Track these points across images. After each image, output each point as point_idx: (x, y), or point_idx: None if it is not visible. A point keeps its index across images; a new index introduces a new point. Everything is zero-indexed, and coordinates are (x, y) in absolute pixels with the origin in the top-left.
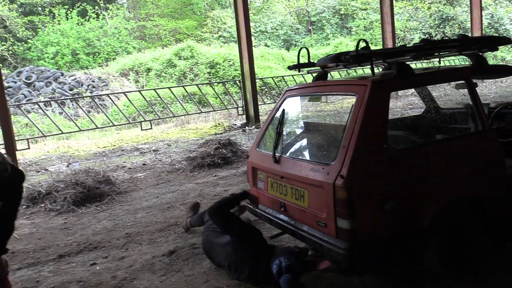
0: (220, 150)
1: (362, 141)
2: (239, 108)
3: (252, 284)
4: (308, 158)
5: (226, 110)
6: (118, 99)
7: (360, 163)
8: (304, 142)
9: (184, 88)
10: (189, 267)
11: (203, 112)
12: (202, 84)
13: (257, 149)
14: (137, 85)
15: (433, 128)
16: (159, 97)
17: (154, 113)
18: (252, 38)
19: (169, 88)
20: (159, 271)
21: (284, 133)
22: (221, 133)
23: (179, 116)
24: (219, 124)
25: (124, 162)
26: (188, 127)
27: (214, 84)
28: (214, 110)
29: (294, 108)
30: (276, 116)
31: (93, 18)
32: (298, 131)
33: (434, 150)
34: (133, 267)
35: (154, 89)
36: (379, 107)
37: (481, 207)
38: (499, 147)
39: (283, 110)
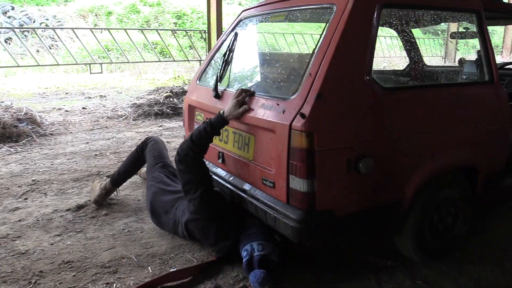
0: (171, 99)
1: (336, 67)
2: (202, 62)
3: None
4: (259, 92)
5: (188, 62)
6: (73, 41)
7: (330, 98)
8: (258, 73)
9: (144, 33)
10: (96, 228)
11: (162, 61)
12: (165, 29)
13: (198, 83)
14: (95, 30)
15: (430, 73)
16: (116, 42)
17: (108, 59)
18: None
19: (125, 29)
20: (55, 229)
21: (234, 62)
22: (179, 86)
23: (135, 63)
24: (178, 76)
25: (64, 106)
26: (144, 77)
27: (179, 35)
28: (175, 61)
29: (251, 31)
30: (226, 41)
31: None
32: (253, 60)
33: (431, 96)
34: (22, 222)
35: (108, 29)
36: (365, 24)
37: (475, 182)
38: (508, 107)
39: (236, 34)
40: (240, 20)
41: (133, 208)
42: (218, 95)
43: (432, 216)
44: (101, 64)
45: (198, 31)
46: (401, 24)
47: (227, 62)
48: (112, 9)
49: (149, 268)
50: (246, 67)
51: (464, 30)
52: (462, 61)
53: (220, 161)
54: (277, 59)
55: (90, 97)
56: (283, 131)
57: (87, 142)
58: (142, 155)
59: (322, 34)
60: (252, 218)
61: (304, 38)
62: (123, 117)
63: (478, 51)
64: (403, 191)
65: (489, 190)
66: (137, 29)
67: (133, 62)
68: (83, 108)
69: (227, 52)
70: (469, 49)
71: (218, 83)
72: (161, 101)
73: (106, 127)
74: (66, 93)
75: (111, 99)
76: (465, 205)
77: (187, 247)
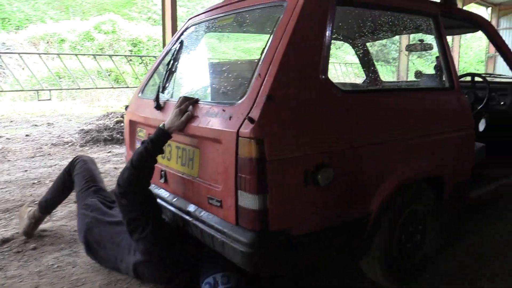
0: (122, 124)
1: (288, 67)
2: None
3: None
4: (205, 100)
5: None
6: (23, 68)
7: (282, 100)
8: (204, 80)
9: (97, 60)
10: (20, 264)
11: (116, 88)
12: (119, 55)
13: (140, 96)
14: (47, 57)
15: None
16: (67, 69)
17: (58, 86)
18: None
19: (76, 55)
20: None
21: (178, 71)
22: None
23: (87, 89)
24: None
25: (6, 133)
26: (97, 105)
27: (134, 62)
28: (129, 87)
29: (197, 39)
30: (171, 50)
31: None
32: (199, 68)
33: (391, 102)
34: None
35: (58, 54)
36: (318, 20)
37: (441, 194)
38: (470, 114)
39: (181, 42)
40: (187, 28)
41: (67, 240)
42: (159, 106)
43: (400, 234)
44: (49, 90)
45: (154, 57)
46: (355, 32)
47: (171, 71)
48: (65, 36)
49: None
50: (191, 75)
51: (419, 42)
52: (418, 74)
53: (162, 180)
54: (225, 65)
55: (36, 125)
56: (229, 139)
57: (26, 170)
58: (70, 179)
59: (272, 31)
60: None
61: (254, 40)
62: (69, 144)
63: (437, 57)
64: (368, 206)
65: (456, 202)
66: (89, 54)
67: (85, 89)
68: (27, 135)
69: (171, 61)
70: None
71: (161, 94)
72: (111, 126)
73: (49, 154)
74: (11, 121)
75: (59, 127)
76: (432, 219)
77: (125, 282)
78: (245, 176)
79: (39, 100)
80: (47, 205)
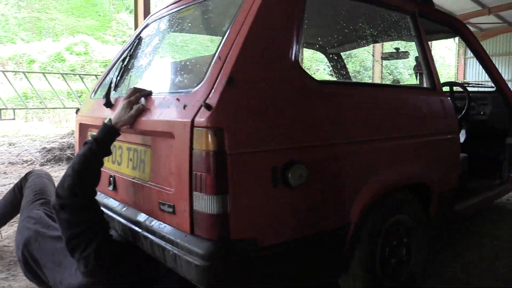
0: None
1: (253, 47)
2: None
3: None
4: (158, 92)
5: None
6: None
7: (245, 84)
8: (161, 75)
9: (66, 81)
10: None
11: None
12: (89, 74)
13: (92, 97)
14: (15, 77)
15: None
16: (34, 89)
17: (24, 105)
18: None
19: (43, 73)
20: None
21: (134, 68)
22: None
23: (55, 109)
24: None
25: None
26: (65, 125)
27: None
28: None
29: (157, 34)
30: (128, 48)
31: None
32: (156, 63)
33: (370, 97)
34: None
35: (24, 73)
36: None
37: (427, 204)
38: (454, 116)
39: (140, 39)
40: (147, 25)
41: (7, 262)
42: (109, 103)
43: (383, 249)
44: (13, 109)
45: None
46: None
47: (126, 68)
48: (35, 57)
49: None
50: (148, 72)
51: (394, 51)
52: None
53: (111, 188)
54: (184, 57)
55: None
56: (183, 131)
57: None
58: (20, 194)
59: (236, 13)
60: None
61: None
62: (29, 162)
63: (416, 57)
64: (347, 214)
65: (442, 214)
66: (57, 73)
67: (52, 108)
68: None
69: (127, 58)
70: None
71: (113, 92)
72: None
73: (5, 172)
74: None
75: (21, 146)
76: (419, 232)
77: None
78: (201, 174)
79: (2, 120)
80: None
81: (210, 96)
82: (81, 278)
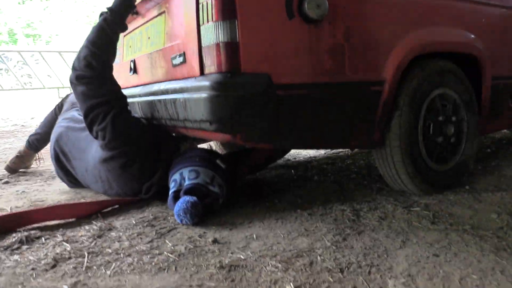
0: None
1: None
2: None
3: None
4: None
5: None
6: None
7: None
8: None
9: None
10: None
11: None
12: None
13: None
14: None
15: None
16: None
17: None
18: None
19: None
20: None
21: None
22: None
23: None
24: None
25: None
26: None
27: None
28: None
29: None
30: None
31: None
32: None
33: None
34: None
35: None
36: None
37: (479, 84)
38: None
39: None
40: None
41: (46, 177)
42: None
43: (426, 125)
44: None
45: None
46: None
47: None
48: None
49: None
50: None
51: None
52: None
53: (131, 73)
54: None
55: None
56: None
57: None
58: (60, 112)
59: None
60: (187, 142)
61: None
62: None
63: None
64: (380, 70)
65: (496, 104)
66: None
67: None
68: None
69: None
70: None
71: None
72: None
73: None
74: None
75: None
76: (469, 114)
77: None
78: (207, 1)
79: None
80: (35, 141)
81: None
82: (100, 153)
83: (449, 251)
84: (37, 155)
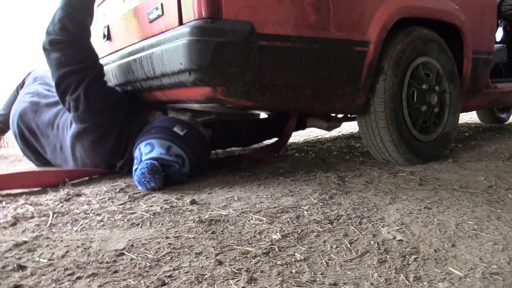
0: None
1: None
2: None
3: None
4: None
5: None
6: None
7: None
8: None
9: None
10: None
11: None
12: None
13: None
14: None
15: None
16: None
17: None
18: None
19: None
20: None
21: None
22: None
23: None
24: None
25: None
26: None
27: None
28: None
29: None
30: None
31: None
32: None
33: None
34: None
35: None
36: None
37: (460, 56)
38: None
39: None
40: None
41: (11, 161)
42: None
43: (410, 90)
44: None
45: None
46: None
47: None
48: None
49: None
50: None
51: None
52: None
53: (105, 40)
54: None
55: None
56: None
57: None
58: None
59: None
60: (156, 112)
61: None
62: None
63: None
64: (364, 30)
65: (476, 80)
66: None
67: None
68: None
69: None
70: None
71: None
72: None
73: None
74: None
75: None
76: (451, 86)
77: None
78: None
79: None
80: (0, 123)
81: None
82: (73, 128)
83: (440, 205)
84: (4, 138)
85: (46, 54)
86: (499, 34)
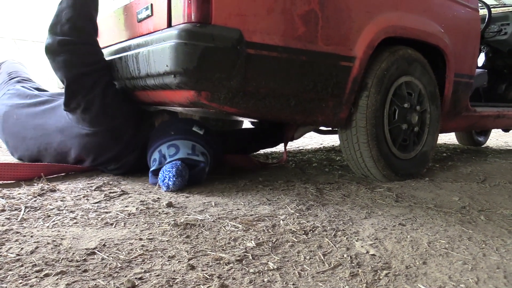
0: None
1: None
2: None
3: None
4: None
5: None
6: None
7: None
8: None
9: None
10: None
11: None
12: None
13: None
14: None
15: None
16: None
17: None
18: None
19: None
20: None
21: None
22: None
23: None
24: None
25: None
26: None
27: None
28: None
29: None
30: None
31: None
32: None
33: None
34: None
35: None
36: None
37: (442, 80)
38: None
39: None
40: None
41: None
42: None
43: (391, 107)
44: None
45: None
46: None
47: None
48: None
49: None
50: None
51: None
52: None
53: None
54: None
55: None
56: None
57: None
58: None
59: None
60: (161, 116)
61: None
62: None
63: None
64: (351, 44)
65: (456, 102)
66: None
67: None
68: None
69: None
70: None
71: None
72: None
73: None
74: None
75: None
76: (432, 107)
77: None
78: None
79: None
80: None
81: None
82: (79, 129)
83: (415, 222)
84: None
85: (51, 55)
86: (481, 60)
